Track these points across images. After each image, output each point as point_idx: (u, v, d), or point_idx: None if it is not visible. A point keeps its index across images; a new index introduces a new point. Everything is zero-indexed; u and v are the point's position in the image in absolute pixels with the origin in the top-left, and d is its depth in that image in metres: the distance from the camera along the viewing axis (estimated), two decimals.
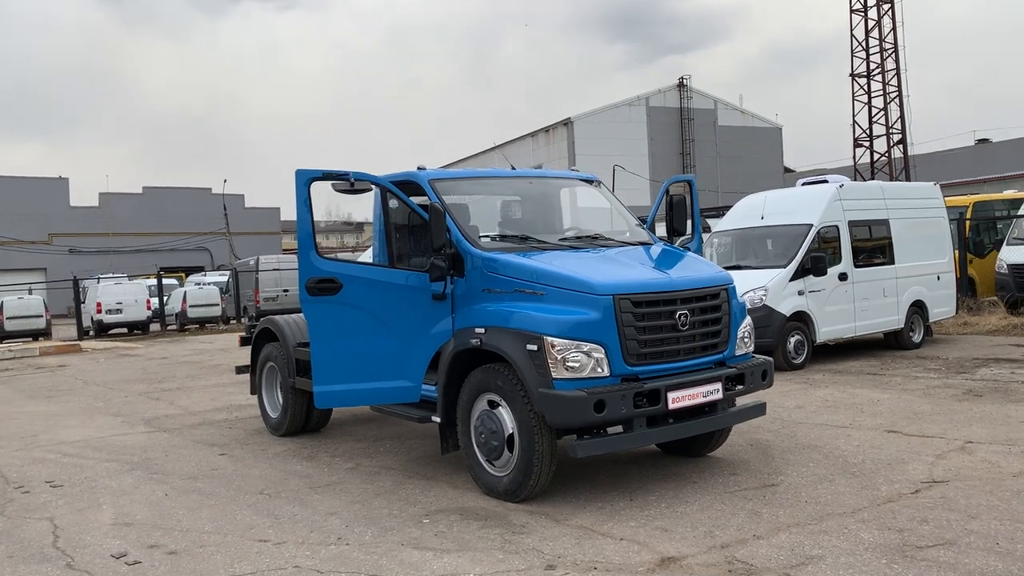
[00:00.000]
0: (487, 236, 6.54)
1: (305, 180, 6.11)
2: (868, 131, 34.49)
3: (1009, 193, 22.68)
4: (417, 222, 6.54)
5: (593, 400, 5.38)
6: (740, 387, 6.19)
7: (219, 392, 12.68)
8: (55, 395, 13.50)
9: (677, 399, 5.71)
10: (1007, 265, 17.05)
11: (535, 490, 5.85)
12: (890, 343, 13.70)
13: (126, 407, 11.66)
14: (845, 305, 12.66)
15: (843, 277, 12.58)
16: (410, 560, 4.93)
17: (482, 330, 5.98)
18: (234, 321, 32.74)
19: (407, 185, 6.60)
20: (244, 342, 9.74)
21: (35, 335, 29.50)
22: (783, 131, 62.17)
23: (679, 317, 5.83)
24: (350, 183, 6.12)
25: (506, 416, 5.87)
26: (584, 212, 7.57)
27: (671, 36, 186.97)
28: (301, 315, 9.04)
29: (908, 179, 29.98)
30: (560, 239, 6.72)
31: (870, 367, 11.84)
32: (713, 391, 5.93)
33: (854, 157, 34.59)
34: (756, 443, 7.30)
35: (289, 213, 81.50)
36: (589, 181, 7.63)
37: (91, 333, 29.66)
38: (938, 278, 14.21)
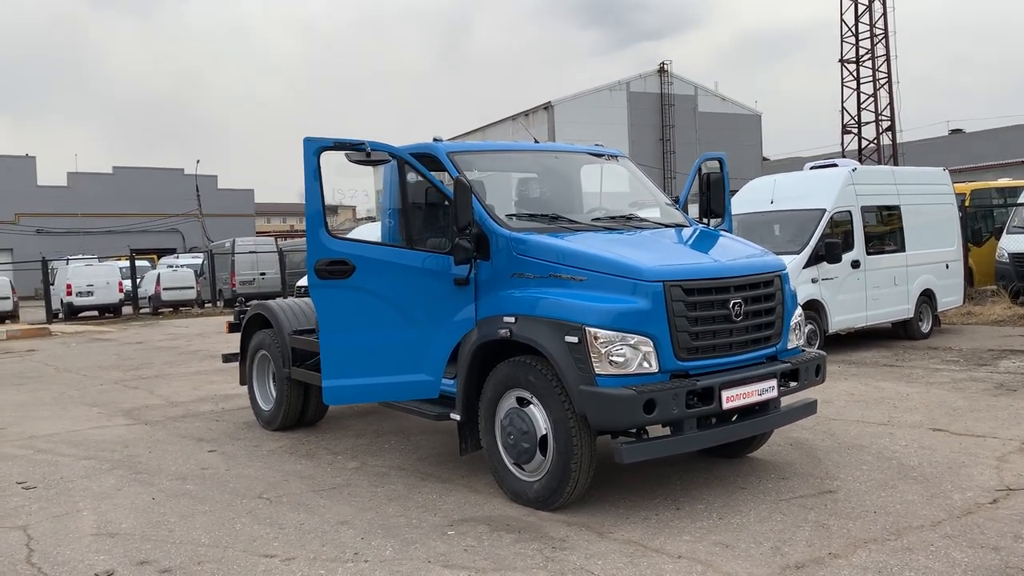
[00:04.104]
0: (512, 215, 5.92)
1: (314, 150, 5.44)
2: (857, 118, 34.16)
3: (1004, 181, 22.40)
4: (434, 199, 5.92)
5: (643, 399, 4.79)
6: (794, 384, 5.64)
7: (201, 380, 11.96)
8: (24, 383, 12.68)
9: (731, 398, 5.14)
10: (1008, 254, 16.72)
11: (571, 498, 5.26)
12: (898, 333, 13.27)
13: (102, 396, 10.91)
14: (857, 293, 12.20)
15: (855, 265, 12.10)
16: None
17: (512, 319, 5.37)
18: (209, 304, 31.82)
19: (423, 158, 5.95)
20: (233, 328, 9.04)
21: (2, 318, 28.39)
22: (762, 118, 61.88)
23: (733, 306, 5.25)
24: (366, 153, 5.45)
25: (539, 415, 5.27)
26: (611, 190, 6.95)
27: (643, 22, 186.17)
28: (296, 300, 8.44)
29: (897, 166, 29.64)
30: (593, 219, 6.11)
31: (884, 358, 11.39)
32: (768, 389, 5.37)
33: (842, 144, 34.29)
34: (795, 442, 6.77)
35: (263, 195, 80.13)
36: (615, 156, 7.03)
37: (60, 316, 28.60)
38: (947, 267, 13.79)
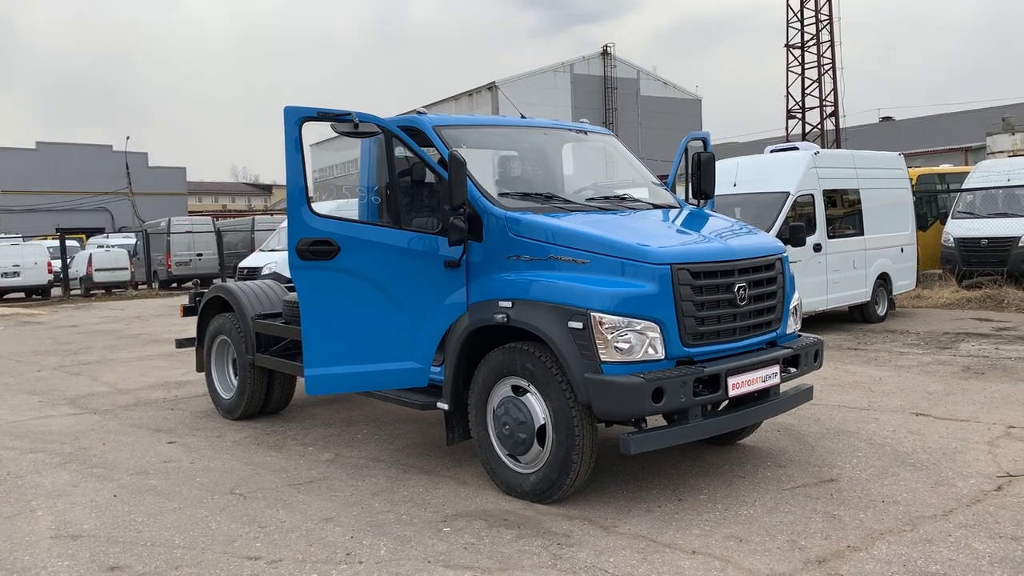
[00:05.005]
0: (504, 193, 5.62)
1: (296, 119, 5.05)
2: (801, 103, 34.59)
3: (945, 167, 22.90)
4: (422, 175, 5.60)
5: (652, 387, 4.57)
6: (794, 370, 5.49)
7: (147, 366, 11.38)
8: None
9: (737, 385, 4.96)
10: (953, 238, 17.03)
11: (570, 490, 5.02)
12: (855, 316, 13.39)
13: (42, 383, 10.28)
14: (818, 277, 12.22)
15: (817, 248, 12.12)
16: None
17: (508, 303, 5.08)
18: (144, 286, 30.72)
19: (407, 132, 5.59)
20: (188, 312, 8.54)
21: None
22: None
23: (738, 290, 5.06)
24: (353, 125, 5.08)
25: (537, 404, 5.01)
26: (599, 168, 6.71)
27: (581, 5, 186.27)
28: (258, 282, 8.02)
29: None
30: (587, 199, 5.85)
31: (847, 342, 11.43)
32: (771, 375, 5.21)
33: (787, 128, 34.72)
34: (783, 428, 6.65)
35: (195, 174, 77.91)
36: (602, 134, 6.79)
37: None
38: (902, 250, 13.96)
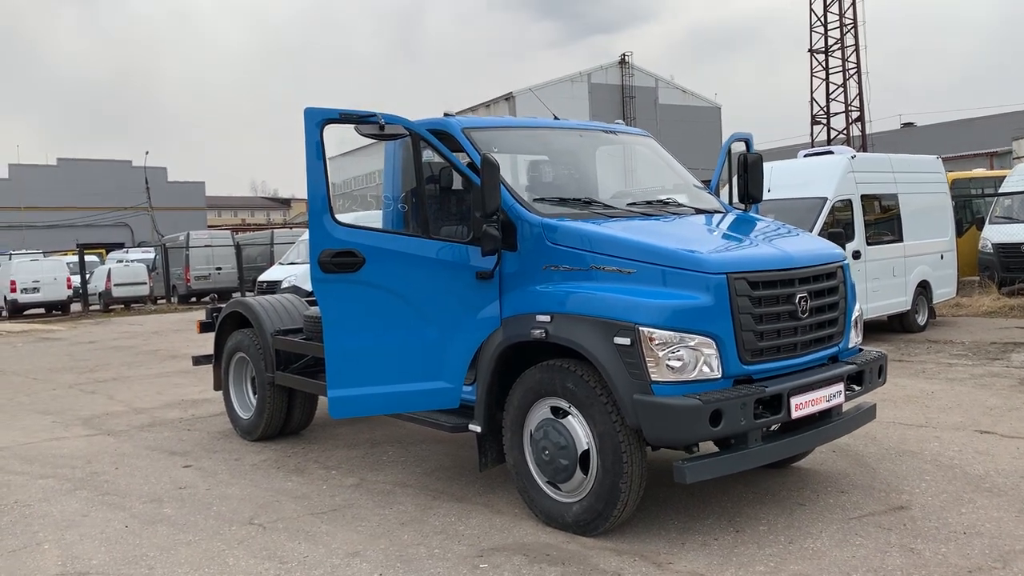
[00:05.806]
0: (539, 198, 5.22)
1: (317, 122, 4.68)
2: (826, 108, 34.01)
3: (979, 171, 22.35)
4: (450, 181, 5.22)
5: (709, 410, 4.14)
6: (858, 388, 5.04)
7: (164, 384, 11.05)
8: None
9: (800, 405, 4.52)
10: (992, 244, 16.47)
11: (617, 522, 4.60)
12: (894, 326, 12.87)
13: (56, 403, 9.97)
14: (858, 285, 11.64)
15: (856, 255, 11.63)
16: None
17: (546, 317, 4.68)
18: (163, 301, 30.57)
19: (435, 135, 5.21)
20: (205, 328, 8.20)
21: None
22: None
23: (799, 301, 4.64)
24: (379, 127, 4.71)
25: (579, 428, 4.59)
26: (637, 171, 6.32)
27: (597, 15, 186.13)
28: (277, 297, 7.66)
29: None
30: (628, 204, 5.44)
31: (890, 353, 10.81)
32: (836, 394, 4.77)
33: (812, 134, 34.13)
34: (839, 449, 6.19)
35: (214, 188, 78.09)
36: (640, 135, 6.39)
37: (4, 314, 27.19)
38: (941, 257, 13.44)
